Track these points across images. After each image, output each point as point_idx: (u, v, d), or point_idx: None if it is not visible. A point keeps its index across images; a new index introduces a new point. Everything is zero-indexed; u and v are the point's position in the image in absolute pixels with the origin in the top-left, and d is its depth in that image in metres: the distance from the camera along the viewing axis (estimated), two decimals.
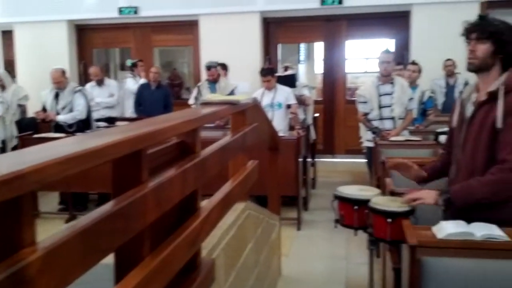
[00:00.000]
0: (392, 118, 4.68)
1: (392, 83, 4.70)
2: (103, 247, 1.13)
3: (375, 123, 4.70)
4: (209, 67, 6.35)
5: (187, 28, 8.40)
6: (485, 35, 2.05)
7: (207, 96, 2.70)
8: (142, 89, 7.02)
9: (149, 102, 6.82)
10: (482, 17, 2.12)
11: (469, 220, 2.00)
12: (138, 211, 1.25)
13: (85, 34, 8.92)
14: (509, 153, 1.97)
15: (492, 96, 2.05)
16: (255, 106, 2.84)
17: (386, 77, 4.69)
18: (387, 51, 4.81)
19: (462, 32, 2.15)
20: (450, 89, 6.57)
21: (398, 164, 2.39)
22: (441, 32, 6.70)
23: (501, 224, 1.97)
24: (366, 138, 4.89)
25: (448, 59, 6.61)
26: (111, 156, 1.15)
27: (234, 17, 7.82)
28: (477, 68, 2.10)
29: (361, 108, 4.84)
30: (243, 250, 2.53)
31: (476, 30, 2.08)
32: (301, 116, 6.05)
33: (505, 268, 1.83)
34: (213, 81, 6.37)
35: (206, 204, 1.87)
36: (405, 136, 4.65)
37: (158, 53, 9.39)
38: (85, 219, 1.09)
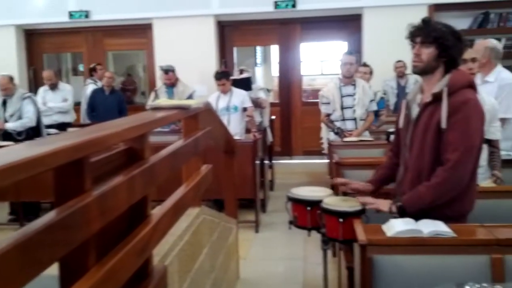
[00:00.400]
0: (354, 119, 4.74)
1: (354, 84, 4.76)
2: (44, 259, 1.09)
3: (338, 124, 4.76)
4: (166, 71, 6.27)
5: (140, 31, 8.28)
6: (429, 39, 2.12)
7: (157, 101, 2.67)
8: (95, 94, 6.89)
9: (103, 108, 6.72)
10: (425, 21, 2.18)
11: (418, 218, 2.06)
12: (81, 221, 1.22)
13: (34, 39, 8.65)
14: (452, 152, 2.04)
15: (436, 98, 2.11)
16: (208, 110, 2.82)
17: (348, 79, 4.75)
18: (349, 53, 4.86)
19: (407, 35, 2.21)
20: (401, 89, 6.76)
21: (341, 183, 2.51)
22: (392, 34, 6.84)
23: (447, 220, 2.04)
24: (328, 139, 4.93)
25: (399, 61, 6.79)
26: (50, 165, 1.12)
27: (188, 21, 7.77)
28: (421, 70, 2.17)
29: (324, 109, 4.88)
30: (198, 255, 2.51)
31: (421, 34, 2.15)
32: (257, 119, 6.07)
33: (451, 263, 1.89)
34: (170, 85, 6.30)
35: (157, 211, 1.84)
36: (366, 136, 4.73)
37: (112, 58, 9.21)
38: (24, 230, 1.05)
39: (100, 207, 1.31)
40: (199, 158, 2.58)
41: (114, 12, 7.94)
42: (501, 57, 3.54)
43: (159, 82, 6.89)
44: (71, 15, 8.07)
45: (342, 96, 4.74)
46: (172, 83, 6.29)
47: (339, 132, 4.70)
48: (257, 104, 5.99)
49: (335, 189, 3.14)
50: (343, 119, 4.75)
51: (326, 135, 5.11)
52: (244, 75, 6.31)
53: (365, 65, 6.03)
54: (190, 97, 6.26)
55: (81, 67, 8.96)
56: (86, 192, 1.29)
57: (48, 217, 1.15)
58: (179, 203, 2.01)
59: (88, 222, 1.25)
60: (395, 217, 2.17)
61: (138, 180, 1.58)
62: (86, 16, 8.05)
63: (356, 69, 4.89)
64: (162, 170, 1.82)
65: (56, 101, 6.62)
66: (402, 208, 2.12)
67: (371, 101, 4.84)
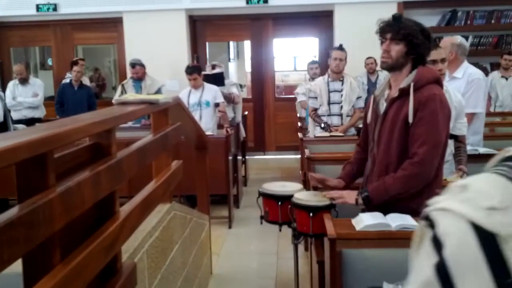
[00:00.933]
0: (340, 115, 4.73)
1: (342, 80, 4.74)
2: (5, 257, 1.06)
3: (324, 119, 4.75)
4: (133, 65, 6.20)
5: (110, 25, 8.14)
6: (399, 36, 2.14)
7: (124, 95, 2.63)
8: (64, 89, 6.74)
9: (72, 102, 6.60)
10: (396, 18, 2.19)
11: (386, 211, 2.09)
12: (44, 218, 1.19)
13: (1, 32, 8.42)
14: (419, 146, 2.07)
15: (404, 93, 2.14)
16: (178, 105, 2.79)
17: (337, 74, 4.71)
18: (340, 48, 4.79)
19: (376, 31, 2.23)
20: (371, 85, 6.83)
21: (318, 180, 2.50)
22: (362, 30, 6.91)
23: (414, 214, 2.07)
24: (314, 133, 4.91)
25: (369, 57, 6.87)
26: (9, 161, 1.08)
27: (159, 15, 7.68)
28: (390, 67, 2.19)
29: (311, 103, 4.87)
30: (169, 251, 2.49)
31: (391, 31, 2.16)
32: (230, 114, 6.04)
33: None
34: (138, 79, 6.23)
35: (125, 207, 1.82)
36: (351, 132, 4.73)
37: (82, 52, 9.04)
38: None
39: (64, 204, 1.28)
40: (169, 153, 2.55)
41: (83, 5, 7.79)
42: (467, 53, 3.61)
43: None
44: (38, 8, 7.88)
45: (329, 92, 4.72)
46: (139, 77, 6.22)
47: (326, 127, 4.69)
48: (230, 99, 5.96)
49: (307, 184, 3.16)
50: (329, 114, 4.74)
51: (313, 129, 5.09)
52: (217, 71, 6.27)
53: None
54: (158, 91, 6.20)
55: (49, 62, 8.76)
56: (50, 188, 1.26)
57: (10, 213, 1.12)
58: (148, 199, 1.99)
59: (51, 218, 1.22)
60: (363, 211, 2.20)
61: (105, 176, 1.55)
62: (54, 9, 7.87)
63: (345, 65, 4.81)
64: (130, 166, 1.80)
65: (27, 95, 6.47)
66: (368, 198, 2.14)
67: (358, 98, 4.81)
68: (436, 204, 0.60)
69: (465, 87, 3.35)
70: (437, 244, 0.57)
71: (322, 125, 4.72)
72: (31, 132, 1.30)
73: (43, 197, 1.20)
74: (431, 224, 0.59)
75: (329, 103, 4.73)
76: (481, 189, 0.59)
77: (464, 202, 0.58)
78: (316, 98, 4.81)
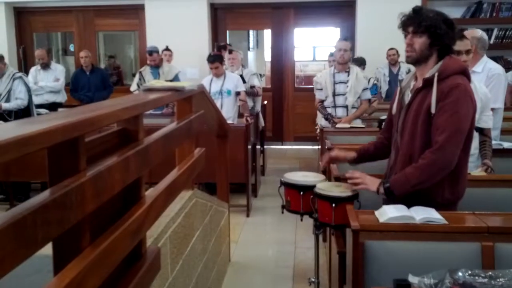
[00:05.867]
0: (346, 107, 4.72)
1: (348, 71, 4.72)
2: (38, 239, 1.08)
3: (329, 110, 4.75)
4: (150, 52, 6.26)
5: (132, 12, 8.17)
6: (421, 28, 2.10)
7: (150, 82, 2.64)
8: (77, 75, 7.00)
9: (87, 87, 6.87)
10: (416, 11, 2.15)
11: (409, 204, 2.07)
12: (75, 201, 1.20)
13: (24, 18, 8.51)
14: (439, 134, 2.04)
15: (428, 83, 2.11)
16: (201, 93, 2.80)
17: (342, 65, 4.69)
18: (344, 39, 4.80)
19: (398, 25, 2.20)
20: (393, 77, 6.76)
21: (329, 160, 2.57)
22: (385, 21, 6.81)
23: (438, 207, 2.05)
24: (321, 124, 4.92)
25: (391, 48, 6.78)
26: (43, 145, 1.10)
27: (181, 2, 7.68)
28: (415, 60, 2.16)
29: (318, 95, 4.88)
30: (190, 238, 2.51)
31: (412, 24, 2.13)
32: (249, 103, 6.04)
33: (443, 249, 1.91)
34: (155, 66, 6.28)
35: (150, 193, 1.83)
36: (358, 124, 4.71)
37: (102, 38, 9.09)
38: (17, 209, 1.03)
39: (95, 188, 1.30)
40: (192, 141, 2.56)
41: None
42: (487, 47, 3.54)
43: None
44: None
45: (335, 83, 4.71)
46: (156, 64, 6.29)
47: (329, 118, 4.70)
48: (253, 93, 5.97)
49: (327, 175, 3.15)
50: (334, 106, 4.74)
51: (320, 121, 5.10)
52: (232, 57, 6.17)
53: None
54: (176, 77, 6.27)
55: (71, 47, 8.83)
56: (81, 172, 1.28)
57: (43, 196, 1.13)
58: (172, 185, 2.00)
59: (82, 202, 1.24)
60: (385, 202, 2.19)
61: (133, 161, 1.56)
62: None
63: (350, 55, 4.83)
64: (156, 152, 1.81)
65: (48, 80, 6.57)
66: (389, 189, 2.12)
67: (365, 89, 4.79)
68: None
69: (485, 82, 3.29)
70: None
71: (326, 116, 4.72)
72: (63, 117, 1.31)
73: (75, 181, 1.21)
74: None
75: (334, 95, 4.71)
76: None
77: None
78: (321, 89, 4.80)
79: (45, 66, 6.58)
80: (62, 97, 6.74)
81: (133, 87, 6.22)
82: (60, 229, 1.16)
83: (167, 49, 6.92)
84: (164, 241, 2.03)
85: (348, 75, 4.70)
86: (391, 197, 2.14)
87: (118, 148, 1.61)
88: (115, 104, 1.64)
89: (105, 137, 1.64)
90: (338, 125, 4.57)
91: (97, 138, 1.56)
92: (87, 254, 1.30)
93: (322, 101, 4.84)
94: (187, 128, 2.32)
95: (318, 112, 5.09)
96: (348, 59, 4.72)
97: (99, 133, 1.66)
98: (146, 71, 6.29)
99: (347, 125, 4.54)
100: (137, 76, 6.35)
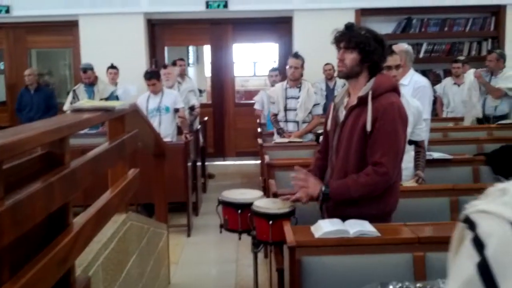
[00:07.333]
0: (297, 122, 4.78)
1: (299, 87, 4.79)
2: None
3: (281, 125, 4.80)
4: (84, 70, 6.06)
5: (66, 29, 7.91)
6: (351, 44, 2.17)
7: (80, 102, 2.55)
8: (22, 94, 6.86)
9: (29, 107, 6.73)
10: (348, 27, 2.22)
11: (344, 217, 2.10)
12: None
13: None
14: (382, 156, 2.10)
15: (362, 101, 2.17)
16: (135, 111, 2.73)
17: (294, 81, 4.77)
18: (295, 56, 4.84)
19: (332, 41, 2.25)
20: (330, 92, 6.92)
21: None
22: (321, 37, 6.95)
23: (373, 219, 2.10)
24: (276, 139, 4.93)
25: (327, 64, 6.95)
26: None
27: (117, 18, 7.53)
28: (345, 75, 2.22)
29: (271, 109, 4.95)
30: (125, 263, 2.42)
31: (344, 40, 2.19)
32: (190, 118, 6.01)
33: (377, 262, 1.94)
34: (89, 84, 6.09)
35: (79, 219, 1.75)
36: (308, 139, 4.76)
37: (35, 55, 8.74)
38: None
39: (13, 218, 1.22)
40: (126, 162, 2.49)
41: (37, 8, 7.53)
42: (414, 60, 3.70)
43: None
44: None
45: (286, 98, 4.77)
46: (91, 82, 6.11)
47: (280, 133, 4.76)
48: (193, 116, 5.97)
49: (266, 191, 3.16)
50: (286, 121, 4.79)
51: (276, 135, 5.12)
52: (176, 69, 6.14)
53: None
54: (111, 95, 6.11)
55: (1, 65, 8.43)
56: None
57: None
58: (103, 209, 1.93)
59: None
60: (322, 217, 2.21)
61: (57, 187, 1.49)
62: (7, 12, 7.59)
63: (301, 72, 4.86)
64: (84, 176, 1.74)
65: None
66: (328, 196, 2.16)
67: (316, 105, 4.86)
68: (475, 207, 0.63)
69: (412, 94, 3.43)
70: (479, 244, 0.60)
71: (277, 130, 4.79)
72: None
73: None
74: (471, 226, 0.62)
75: (285, 109, 4.78)
76: None
77: (505, 205, 0.60)
78: (274, 103, 4.86)
79: None
80: None
81: (66, 106, 5.99)
82: None
83: (112, 67, 6.72)
84: (96, 269, 1.94)
85: (300, 91, 4.77)
86: (326, 202, 2.19)
87: (42, 174, 1.54)
88: (38, 127, 1.56)
89: (28, 162, 1.56)
90: (277, 140, 4.62)
91: (18, 163, 1.48)
92: None
93: (275, 115, 4.88)
94: (119, 148, 2.25)
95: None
96: (299, 75, 4.78)
97: (24, 157, 1.58)
98: (80, 89, 6.10)
99: (286, 140, 4.59)
100: (71, 94, 6.14)
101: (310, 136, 4.85)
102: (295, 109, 4.76)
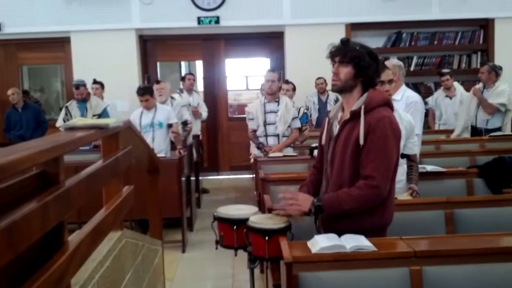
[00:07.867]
0: (277, 136, 4.82)
1: (277, 101, 4.85)
2: None
3: (261, 139, 4.83)
4: (77, 86, 6.04)
5: (58, 45, 7.93)
6: (346, 59, 2.19)
7: (72, 120, 2.55)
8: (9, 113, 6.86)
9: (19, 125, 6.74)
10: (343, 42, 2.25)
11: (340, 232, 2.10)
12: None
13: None
14: (374, 170, 2.11)
15: (355, 115, 2.19)
16: (128, 128, 2.73)
17: (271, 96, 4.84)
18: (272, 70, 4.96)
19: (327, 55, 2.28)
20: (322, 105, 6.97)
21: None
22: (312, 51, 7.05)
23: (368, 233, 2.10)
24: (255, 154, 4.97)
25: (319, 78, 7.01)
26: None
27: (109, 35, 7.55)
28: (340, 89, 2.24)
29: (250, 125, 4.97)
30: (121, 281, 2.40)
31: (339, 54, 2.22)
32: (184, 133, 6.01)
33: (374, 276, 1.94)
34: (82, 100, 6.07)
35: (74, 237, 1.74)
36: (289, 152, 4.80)
37: (27, 72, 8.72)
38: None
39: (8, 239, 1.21)
40: (120, 179, 2.48)
41: (29, 24, 7.55)
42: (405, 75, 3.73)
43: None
44: None
45: (265, 113, 4.83)
46: (84, 98, 6.09)
47: (261, 147, 4.79)
48: (187, 131, 5.97)
49: (262, 205, 3.15)
50: (266, 135, 4.84)
51: (253, 150, 5.16)
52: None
53: (286, 82, 6.16)
54: (104, 111, 6.10)
55: None
56: None
57: None
58: (98, 227, 1.91)
59: None
60: (318, 231, 2.21)
61: (53, 207, 1.48)
62: None
63: (278, 86, 4.98)
64: (79, 195, 1.73)
65: None
66: (320, 208, 2.15)
67: (294, 118, 4.93)
68: None
69: (404, 109, 3.45)
70: None
71: (257, 145, 4.82)
72: None
73: None
74: None
75: (265, 124, 4.82)
76: None
77: None
78: (253, 119, 4.90)
79: None
80: None
81: (59, 122, 5.97)
82: None
83: (95, 82, 6.72)
84: (91, 287, 1.92)
85: (278, 105, 4.83)
86: (318, 215, 2.18)
87: (37, 193, 1.52)
88: (32, 146, 1.55)
89: (22, 182, 1.54)
90: (270, 154, 4.63)
91: (12, 184, 1.46)
92: None
93: (254, 131, 4.92)
94: (114, 166, 2.24)
95: (251, 142, 5.17)
96: (276, 89, 4.85)
97: (17, 177, 1.57)
98: (73, 105, 6.08)
99: (280, 154, 4.60)
100: (63, 111, 6.12)
101: (290, 150, 4.91)
102: (274, 123, 4.82)
